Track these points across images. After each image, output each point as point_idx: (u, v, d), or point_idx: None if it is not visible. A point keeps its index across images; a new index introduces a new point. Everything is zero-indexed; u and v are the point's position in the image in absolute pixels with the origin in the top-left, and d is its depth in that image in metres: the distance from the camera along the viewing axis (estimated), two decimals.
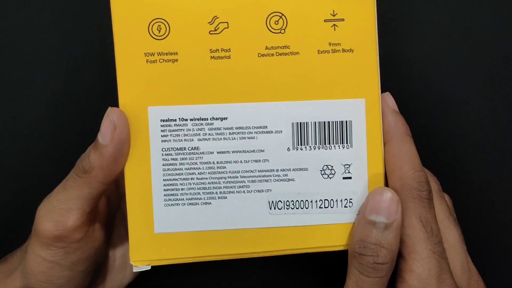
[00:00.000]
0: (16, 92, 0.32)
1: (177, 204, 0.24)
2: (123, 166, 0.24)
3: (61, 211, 0.24)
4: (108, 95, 0.26)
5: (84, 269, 0.25)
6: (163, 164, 0.24)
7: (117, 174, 0.24)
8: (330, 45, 0.24)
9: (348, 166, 0.25)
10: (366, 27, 0.25)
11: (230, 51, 0.24)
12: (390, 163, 0.24)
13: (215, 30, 0.24)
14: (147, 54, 0.24)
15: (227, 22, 0.24)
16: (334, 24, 0.24)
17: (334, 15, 0.24)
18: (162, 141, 0.24)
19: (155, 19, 0.24)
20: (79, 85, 0.32)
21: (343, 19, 0.24)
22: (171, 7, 0.24)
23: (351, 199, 0.25)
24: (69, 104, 0.32)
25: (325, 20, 0.24)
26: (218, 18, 0.24)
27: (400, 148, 0.24)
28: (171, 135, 0.24)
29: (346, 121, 0.25)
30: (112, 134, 0.23)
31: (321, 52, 0.24)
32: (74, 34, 0.32)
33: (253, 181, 0.25)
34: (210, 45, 0.24)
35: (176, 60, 0.24)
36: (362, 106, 0.25)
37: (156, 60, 0.24)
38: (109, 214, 0.28)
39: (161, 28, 0.24)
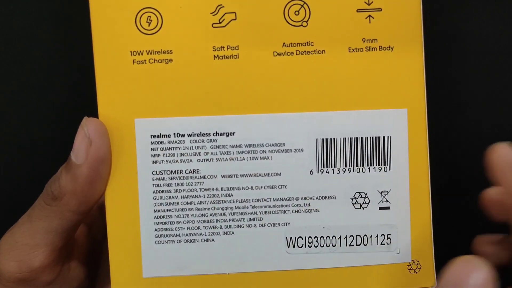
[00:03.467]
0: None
1: (171, 242, 0.19)
2: (102, 191, 0.19)
3: (25, 247, 0.19)
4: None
5: None
6: (154, 191, 0.19)
7: (94, 201, 0.19)
8: (364, 41, 0.19)
9: (386, 193, 0.20)
10: (410, 19, 0.20)
11: (238, 49, 0.19)
12: None
13: (220, 23, 0.19)
14: (134, 53, 0.19)
15: (235, 13, 0.19)
16: (370, 15, 0.19)
17: (369, 4, 0.19)
18: (153, 162, 0.19)
19: (144, 8, 0.19)
20: (72, 91, 0.27)
21: (381, 9, 0.19)
22: None
23: (389, 234, 0.20)
24: (59, 113, 0.27)
25: (358, 10, 0.19)
26: (223, 7, 0.19)
27: None
28: (164, 154, 0.19)
29: (384, 137, 0.20)
30: (87, 151, 0.19)
31: (353, 50, 0.19)
32: (71, 34, 0.27)
33: (266, 212, 0.20)
34: (213, 41, 0.19)
35: (171, 60, 0.19)
36: (403, 118, 0.20)
37: (145, 60, 0.19)
38: (92, 245, 0.23)
39: (151, 20, 0.19)
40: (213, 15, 0.19)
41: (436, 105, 0.21)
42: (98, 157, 0.19)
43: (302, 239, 0.20)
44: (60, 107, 0.27)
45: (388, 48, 0.20)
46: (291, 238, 0.20)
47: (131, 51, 0.19)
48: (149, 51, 0.19)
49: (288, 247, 0.20)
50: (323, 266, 0.20)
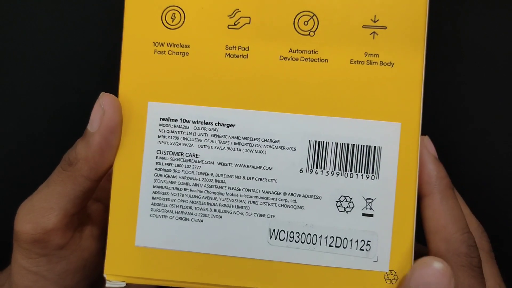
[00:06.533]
0: (17, 91, 0.31)
1: (164, 217, 0.21)
2: (111, 161, 0.21)
3: (40, 210, 0.21)
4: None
5: (73, 285, 0.22)
6: (156, 168, 0.21)
7: (103, 169, 0.21)
8: (366, 55, 0.21)
9: (370, 201, 0.21)
10: (413, 39, 0.21)
11: (248, 50, 0.21)
12: (431, 221, 0.21)
13: (235, 25, 0.21)
14: (156, 44, 0.21)
15: (249, 18, 0.21)
16: (374, 32, 0.21)
17: (375, 21, 0.21)
18: (159, 142, 0.21)
19: (171, 6, 0.21)
20: (86, 80, 0.30)
21: (385, 27, 0.21)
22: None
23: (369, 241, 0.20)
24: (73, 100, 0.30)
25: (363, 26, 0.21)
26: (239, 11, 0.21)
27: (443, 203, 0.21)
28: (169, 136, 0.21)
29: (375, 147, 0.21)
30: (101, 121, 0.21)
31: (354, 62, 0.21)
32: (82, 25, 0.30)
33: (254, 203, 0.21)
34: (227, 41, 0.21)
35: (187, 53, 0.21)
36: (396, 131, 0.21)
37: (165, 51, 0.21)
38: (106, 224, 0.26)
39: (175, 17, 0.21)
40: (230, 17, 0.21)
41: (432, 111, 0.22)
42: (109, 126, 0.21)
43: (284, 232, 0.21)
44: (87, 93, 0.30)
45: (389, 64, 0.21)
46: (274, 230, 0.21)
47: (154, 42, 0.21)
48: (169, 43, 0.21)
49: (270, 238, 0.21)
50: (301, 262, 0.21)
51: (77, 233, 0.22)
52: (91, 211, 0.24)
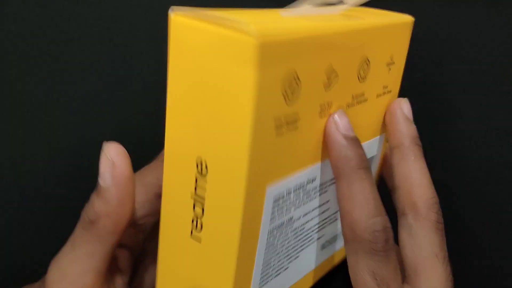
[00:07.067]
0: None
1: (267, 282, 0.21)
2: (132, 209, 0.20)
3: (73, 276, 0.20)
4: None
5: None
6: (266, 245, 0.20)
7: (127, 220, 0.20)
8: (383, 88, 0.25)
9: None
10: (402, 68, 0.26)
11: (332, 105, 0.21)
12: (340, 206, 0.21)
13: (329, 84, 0.20)
14: (278, 126, 0.18)
15: (337, 73, 0.20)
16: (390, 68, 0.24)
17: (391, 59, 0.24)
18: (271, 222, 0.20)
19: (291, 74, 0.17)
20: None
21: (394, 63, 0.25)
22: (300, 56, 0.18)
23: None
24: None
25: (387, 65, 0.24)
26: (334, 70, 0.20)
27: (351, 187, 0.20)
28: (278, 213, 0.20)
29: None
30: (113, 173, 0.19)
31: (379, 95, 0.24)
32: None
33: (315, 231, 0.24)
34: (320, 100, 0.20)
35: (297, 127, 0.19)
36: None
37: (283, 132, 0.18)
38: (132, 269, 0.24)
39: (294, 88, 0.18)
40: (325, 75, 0.19)
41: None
42: (123, 177, 0.19)
43: (330, 240, 0.25)
44: None
45: (390, 92, 0.25)
46: (325, 243, 0.25)
47: (275, 123, 0.17)
48: (286, 120, 0.18)
49: (322, 250, 0.25)
50: (338, 249, 0.26)
51: (111, 284, 0.22)
52: (118, 258, 0.23)
